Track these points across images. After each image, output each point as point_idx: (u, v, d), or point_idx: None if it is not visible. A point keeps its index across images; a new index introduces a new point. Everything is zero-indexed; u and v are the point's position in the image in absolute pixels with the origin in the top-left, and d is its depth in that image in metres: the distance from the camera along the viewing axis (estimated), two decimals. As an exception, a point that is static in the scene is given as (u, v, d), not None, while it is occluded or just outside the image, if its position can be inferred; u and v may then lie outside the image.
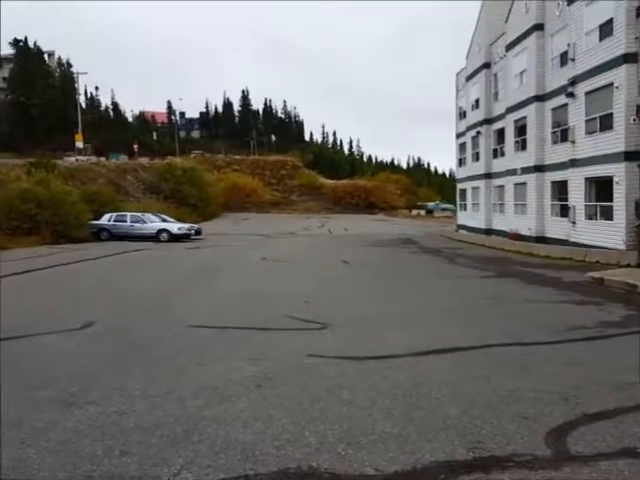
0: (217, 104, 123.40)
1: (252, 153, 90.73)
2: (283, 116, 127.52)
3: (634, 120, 16.82)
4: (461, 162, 37.49)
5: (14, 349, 6.70)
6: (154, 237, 28.42)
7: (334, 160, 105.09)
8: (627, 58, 16.85)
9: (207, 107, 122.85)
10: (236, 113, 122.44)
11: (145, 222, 29.45)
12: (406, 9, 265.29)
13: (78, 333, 7.56)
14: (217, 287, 12.46)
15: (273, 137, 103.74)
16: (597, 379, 5.43)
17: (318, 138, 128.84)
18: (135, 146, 77.11)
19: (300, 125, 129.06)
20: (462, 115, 36.55)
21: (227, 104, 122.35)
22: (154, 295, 11.25)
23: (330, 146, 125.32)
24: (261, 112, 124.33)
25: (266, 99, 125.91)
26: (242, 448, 3.86)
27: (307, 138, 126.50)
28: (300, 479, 3.44)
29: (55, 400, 4.86)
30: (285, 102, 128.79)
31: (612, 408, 4.59)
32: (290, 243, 28.25)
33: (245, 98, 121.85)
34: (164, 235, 28.60)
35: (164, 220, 31.04)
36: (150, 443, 3.96)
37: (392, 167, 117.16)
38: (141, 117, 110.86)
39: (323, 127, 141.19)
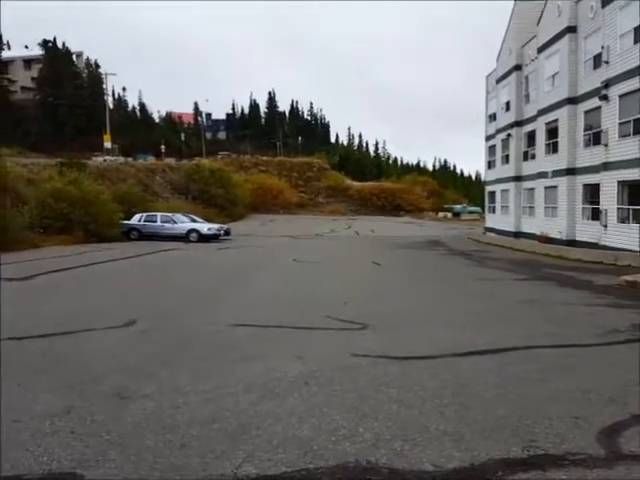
0: (243, 105, 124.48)
1: (278, 154, 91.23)
2: (309, 118, 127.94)
3: (670, 123, 16.63)
4: (490, 164, 37.22)
5: (59, 346, 6.90)
6: (184, 237, 28.79)
7: (360, 162, 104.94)
8: (663, 60, 16.67)
9: (233, 108, 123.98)
10: (262, 114, 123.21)
11: (175, 222, 29.87)
12: (432, 10, 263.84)
13: (122, 330, 7.77)
14: (254, 287, 12.65)
15: (299, 139, 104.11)
16: (641, 382, 5.44)
17: (344, 140, 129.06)
18: (162, 147, 78.16)
19: (326, 127, 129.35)
20: (492, 118, 36.30)
21: (253, 105, 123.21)
22: (193, 294, 11.46)
23: (356, 148, 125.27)
24: (287, 114, 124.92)
25: (292, 100, 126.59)
26: (299, 443, 3.98)
27: (333, 140, 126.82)
28: (360, 473, 3.54)
29: (109, 394, 5.02)
30: (311, 104, 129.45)
31: (660, 410, 4.62)
32: (318, 245, 28.39)
33: (271, 99, 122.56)
34: (194, 235, 28.97)
35: (194, 220, 31.44)
36: (209, 437, 4.09)
37: (418, 169, 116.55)
38: (168, 118, 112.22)
39: (349, 129, 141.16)
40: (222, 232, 30.67)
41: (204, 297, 11.02)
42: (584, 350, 6.82)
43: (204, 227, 30.02)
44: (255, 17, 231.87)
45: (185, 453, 3.83)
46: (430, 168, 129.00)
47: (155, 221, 29.76)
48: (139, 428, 4.26)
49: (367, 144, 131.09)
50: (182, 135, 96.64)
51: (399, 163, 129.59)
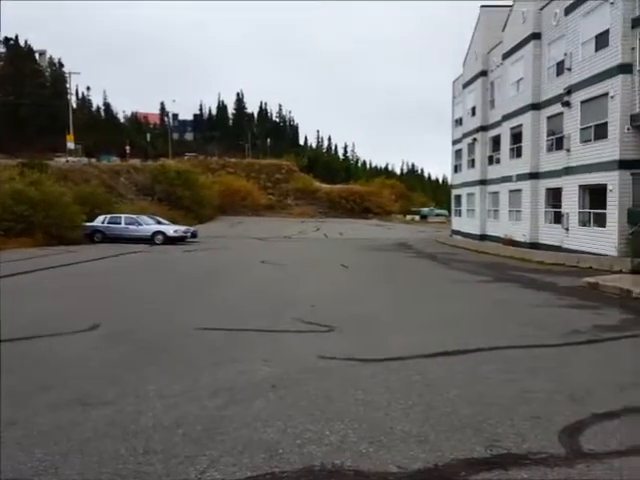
0: (211, 106, 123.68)
1: (247, 156, 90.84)
2: (278, 120, 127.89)
3: (628, 129, 17.10)
4: (457, 168, 37.78)
5: (21, 351, 6.74)
6: (149, 239, 28.38)
7: (329, 165, 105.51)
8: (622, 68, 17.14)
9: (201, 109, 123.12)
10: (230, 116, 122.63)
11: (140, 224, 29.42)
12: (404, 12, 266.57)
13: (86, 335, 7.62)
14: (221, 290, 12.54)
15: (268, 140, 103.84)
16: (602, 380, 5.58)
17: (313, 142, 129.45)
18: (127, 147, 76.95)
19: (295, 129, 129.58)
20: (458, 122, 36.86)
21: (221, 107, 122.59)
22: (157, 298, 11.31)
23: (325, 151, 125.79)
24: (256, 115, 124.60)
25: (261, 102, 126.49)
26: (265, 447, 3.95)
27: (302, 142, 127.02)
28: (325, 477, 3.53)
29: (70, 401, 4.91)
30: (280, 106, 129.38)
31: (619, 408, 4.73)
32: (287, 247, 28.34)
33: (240, 101, 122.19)
34: (159, 237, 28.57)
35: (159, 222, 31.02)
36: (173, 442, 4.03)
37: (386, 172, 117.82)
38: (133, 118, 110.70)
39: (318, 132, 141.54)
40: (189, 234, 30.34)
41: (169, 301, 10.87)
42: (547, 350, 6.96)
43: (170, 229, 29.64)
44: (223, 17, 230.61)
45: (148, 459, 3.76)
46: (398, 171, 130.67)
47: (119, 223, 29.27)
48: (101, 434, 4.17)
49: (336, 147, 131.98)
50: (148, 136, 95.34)
51: (368, 166, 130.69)
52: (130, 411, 4.66)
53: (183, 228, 30.90)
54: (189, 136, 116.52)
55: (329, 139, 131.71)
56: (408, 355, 6.50)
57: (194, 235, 31.08)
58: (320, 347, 6.91)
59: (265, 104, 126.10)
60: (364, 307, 10.24)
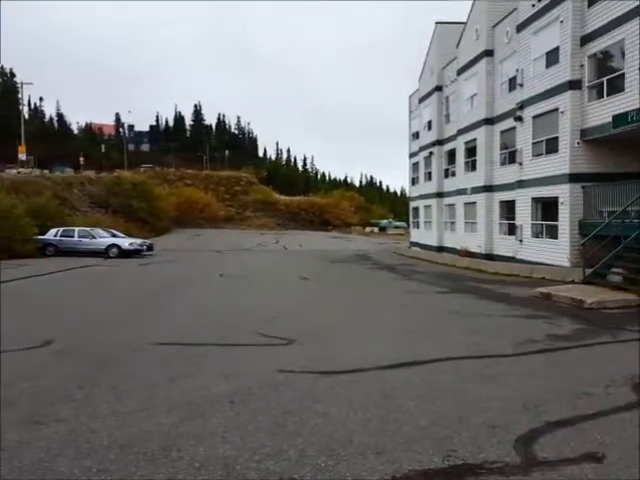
0: (168, 117, 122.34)
1: (204, 168, 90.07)
2: (237, 132, 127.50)
3: (578, 144, 17.75)
4: (414, 181, 38.38)
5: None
6: (103, 253, 27.74)
7: (288, 177, 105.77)
8: (572, 85, 17.80)
9: (157, 120, 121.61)
10: (188, 127, 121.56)
11: (94, 237, 28.75)
12: (365, 25, 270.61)
13: (38, 351, 7.38)
14: (178, 304, 12.32)
15: (226, 152, 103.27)
16: (555, 389, 5.71)
17: (272, 154, 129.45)
18: (81, 159, 75.27)
19: (254, 141, 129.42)
20: (415, 135, 37.52)
21: (178, 118, 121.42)
22: (112, 312, 11.03)
23: (284, 163, 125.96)
24: (214, 127, 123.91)
25: (219, 114, 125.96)
26: (223, 463, 3.90)
27: (261, 154, 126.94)
28: (284, 491, 3.50)
29: (21, 419, 4.75)
30: (239, 117, 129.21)
31: (572, 416, 4.86)
32: (246, 259, 28.13)
33: (197, 112, 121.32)
34: (114, 251, 27.95)
35: (114, 235, 30.36)
36: (128, 461, 3.93)
37: (346, 184, 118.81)
38: (88, 129, 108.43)
39: (277, 143, 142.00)
40: (144, 247, 29.76)
41: (124, 315, 10.62)
42: (502, 360, 7.09)
43: (125, 242, 29.02)
44: (180, 27, 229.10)
45: (102, 479, 3.65)
46: (357, 183, 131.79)
47: (72, 236, 28.52)
48: (53, 454, 4.04)
49: (295, 159, 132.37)
50: (102, 147, 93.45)
51: (327, 178, 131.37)
52: (84, 430, 4.53)
53: (139, 241, 30.30)
54: (145, 147, 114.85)
55: (288, 151, 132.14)
56: (366, 367, 6.52)
57: (150, 248, 30.53)
58: (279, 360, 6.86)
59: (223, 116, 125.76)
60: (324, 319, 10.24)
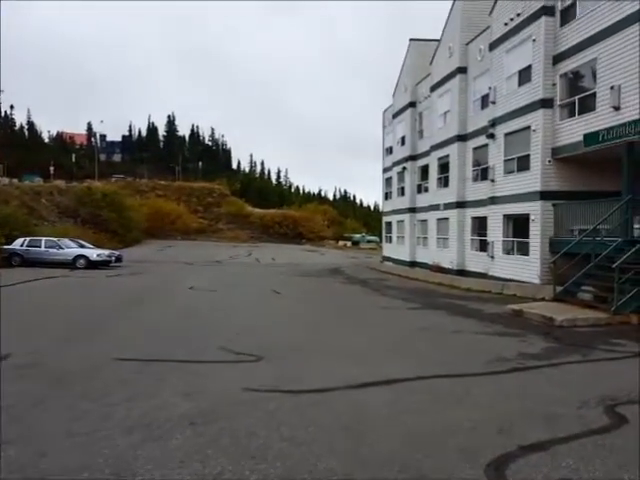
0: (141, 128, 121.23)
1: (177, 179, 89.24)
2: (210, 143, 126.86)
3: (549, 162, 17.96)
4: (387, 196, 38.51)
5: None
6: (70, 263, 27.03)
7: (262, 189, 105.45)
8: (544, 103, 18.03)
9: (130, 131, 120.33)
10: (161, 138, 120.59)
11: (61, 247, 28.02)
12: (342, 38, 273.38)
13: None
14: (143, 317, 11.96)
15: (200, 164, 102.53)
16: (527, 410, 5.60)
17: (246, 167, 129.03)
18: (51, 168, 73.92)
19: (227, 153, 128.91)
20: (389, 151, 37.71)
21: (152, 128, 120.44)
22: (73, 326, 10.63)
23: (258, 175, 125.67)
24: (187, 138, 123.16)
25: (193, 125, 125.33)
26: (179, 490, 3.65)
27: (235, 166, 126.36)
28: (243, 523, 3.27)
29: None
30: (213, 129, 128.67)
31: (545, 439, 4.73)
32: (217, 272, 27.71)
33: (171, 123, 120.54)
34: (81, 262, 27.24)
35: (82, 246, 29.66)
36: (78, 487, 3.67)
37: (319, 198, 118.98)
38: (59, 138, 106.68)
39: (251, 156, 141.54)
40: (113, 258, 29.10)
41: (85, 329, 10.23)
42: (474, 380, 6.97)
43: (93, 253, 28.33)
44: (155, 37, 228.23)
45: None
46: (331, 197, 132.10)
47: (39, 246, 27.74)
48: (-4, 480, 3.76)
49: (269, 171, 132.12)
50: (73, 156, 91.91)
51: (301, 191, 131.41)
52: (33, 452, 4.28)
53: (107, 252, 29.62)
54: (117, 157, 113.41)
55: (262, 163, 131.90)
56: (336, 386, 6.32)
57: (119, 259, 29.87)
58: (245, 378, 6.62)
59: (197, 127, 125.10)
60: (295, 335, 10.02)
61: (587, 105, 16.52)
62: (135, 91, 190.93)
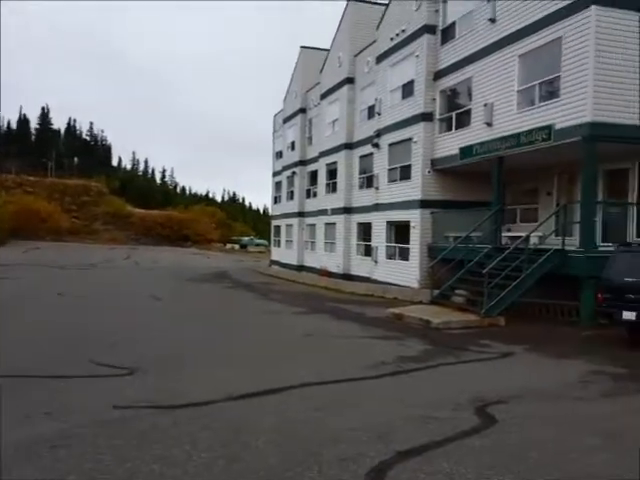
0: (11, 119, 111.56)
1: (50, 175, 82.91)
2: (89, 138, 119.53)
3: (429, 172, 18.87)
4: (276, 200, 38.51)
5: None
6: None
7: (145, 188, 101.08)
8: (424, 117, 18.90)
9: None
10: (33, 131, 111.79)
11: None
12: (233, 38, 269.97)
13: None
14: (1, 328, 10.82)
15: (76, 159, 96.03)
16: (405, 414, 5.70)
17: (128, 164, 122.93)
18: None
19: (107, 149, 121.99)
20: (279, 155, 37.74)
21: (23, 120, 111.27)
22: None
23: (141, 173, 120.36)
24: (63, 132, 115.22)
25: (70, 118, 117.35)
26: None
27: (115, 163, 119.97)
28: None
29: None
30: (92, 124, 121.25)
31: (422, 444, 4.80)
32: (91, 276, 26.04)
33: (45, 116, 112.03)
34: None
35: None
36: None
37: (207, 200, 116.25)
38: None
39: (134, 153, 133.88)
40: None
41: None
42: (355, 385, 7.02)
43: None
44: (28, 22, 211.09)
45: None
46: (219, 199, 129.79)
47: None
48: None
49: (154, 170, 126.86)
50: None
51: (188, 192, 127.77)
52: None
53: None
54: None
55: (146, 162, 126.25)
56: (216, 398, 6.05)
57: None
58: (117, 394, 6.15)
59: (74, 121, 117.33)
60: (173, 344, 9.57)
61: (463, 120, 17.54)
62: (6, 79, 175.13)
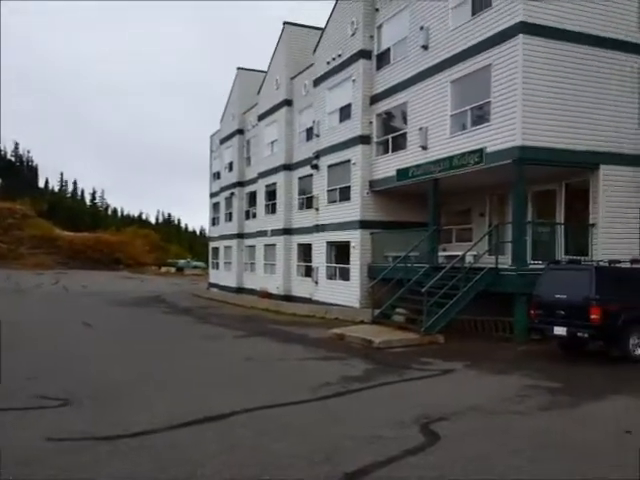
0: None
1: (-30, 197, 78.46)
2: (13, 159, 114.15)
3: (367, 193, 19.18)
4: (214, 221, 38.00)
5: None
6: None
7: (73, 210, 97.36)
8: (362, 139, 19.25)
9: None
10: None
11: None
12: (168, 56, 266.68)
13: None
14: None
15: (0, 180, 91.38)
16: (351, 434, 5.68)
17: (55, 186, 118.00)
18: None
19: (34, 170, 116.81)
20: (216, 175, 37.35)
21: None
22: None
23: (69, 195, 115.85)
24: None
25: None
26: None
27: (42, 185, 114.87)
28: None
29: None
30: (17, 144, 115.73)
31: (368, 464, 4.79)
32: (17, 303, 24.66)
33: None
34: None
35: None
36: None
37: (140, 221, 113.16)
38: None
39: (62, 174, 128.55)
40: None
41: None
42: (299, 408, 6.94)
43: None
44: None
45: None
46: (153, 221, 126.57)
47: None
48: None
49: (83, 192, 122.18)
50: None
51: (120, 214, 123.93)
52: None
53: None
54: None
55: (75, 183, 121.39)
56: (155, 427, 5.82)
57: None
58: (50, 426, 5.80)
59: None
60: (108, 373, 9.15)
61: (399, 143, 18.00)
62: None
